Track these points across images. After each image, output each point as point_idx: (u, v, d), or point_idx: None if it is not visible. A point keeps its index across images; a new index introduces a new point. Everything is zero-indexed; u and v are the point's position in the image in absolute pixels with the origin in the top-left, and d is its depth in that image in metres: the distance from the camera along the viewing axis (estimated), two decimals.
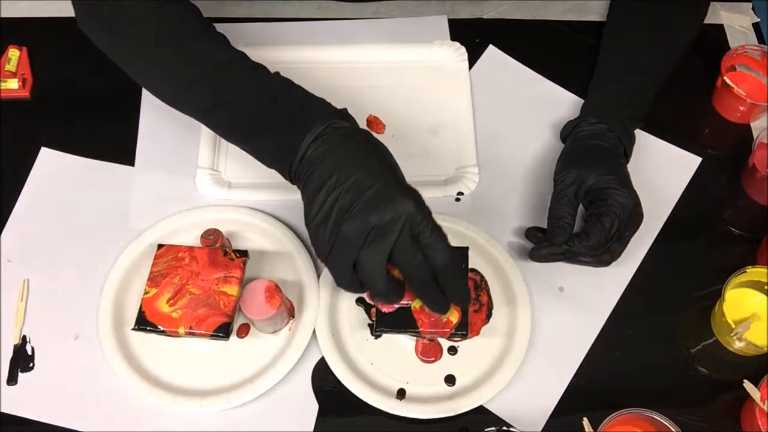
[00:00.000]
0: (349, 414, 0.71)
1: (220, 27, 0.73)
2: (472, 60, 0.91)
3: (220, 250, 0.74)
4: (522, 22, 0.95)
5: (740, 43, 0.93)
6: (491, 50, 0.92)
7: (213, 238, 0.75)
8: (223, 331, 0.70)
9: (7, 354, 0.73)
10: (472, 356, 0.74)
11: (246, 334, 0.74)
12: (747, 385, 0.69)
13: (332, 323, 0.75)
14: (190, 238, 0.78)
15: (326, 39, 0.91)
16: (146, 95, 0.86)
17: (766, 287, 0.75)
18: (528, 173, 0.84)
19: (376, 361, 0.73)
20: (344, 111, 0.68)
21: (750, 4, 0.97)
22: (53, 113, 0.86)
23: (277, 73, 0.70)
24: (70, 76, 0.89)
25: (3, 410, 0.71)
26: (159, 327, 0.71)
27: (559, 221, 0.75)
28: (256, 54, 0.72)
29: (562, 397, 0.72)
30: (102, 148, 0.84)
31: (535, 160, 0.85)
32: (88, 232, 0.79)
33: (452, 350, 0.74)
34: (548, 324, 0.76)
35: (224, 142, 0.84)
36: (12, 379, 0.72)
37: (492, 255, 0.78)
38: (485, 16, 0.95)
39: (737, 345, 0.74)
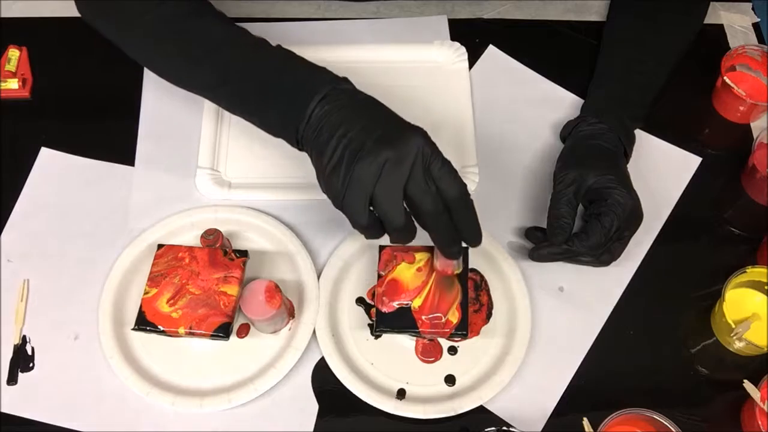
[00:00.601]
0: (349, 414, 0.71)
1: None
2: (472, 60, 0.91)
3: (220, 250, 0.74)
4: (522, 22, 0.95)
5: (740, 43, 0.93)
6: (491, 50, 0.92)
7: (213, 238, 0.75)
8: (223, 331, 0.70)
9: (7, 354, 0.73)
10: (472, 356, 0.74)
11: (246, 334, 0.74)
12: (747, 385, 0.69)
13: (332, 323, 0.74)
14: (190, 238, 0.78)
15: (326, 39, 0.91)
16: (146, 95, 0.86)
17: (766, 287, 0.75)
18: (528, 173, 0.84)
19: (376, 361, 0.73)
20: (345, 78, 0.68)
21: (750, 4, 0.97)
22: (53, 113, 0.86)
23: (278, 46, 0.71)
24: (70, 76, 0.89)
25: (3, 410, 0.71)
26: (159, 327, 0.71)
27: (558, 221, 0.75)
28: None
29: (562, 397, 0.72)
30: (102, 148, 0.84)
31: (535, 160, 0.85)
32: (88, 232, 0.79)
33: (452, 350, 0.74)
34: (548, 324, 0.76)
35: (224, 142, 0.84)
36: (12, 379, 0.72)
37: (492, 255, 0.78)
38: (485, 16, 0.95)
39: (737, 345, 0.74)
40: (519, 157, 0.85)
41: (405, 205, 0.63)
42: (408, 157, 0.61)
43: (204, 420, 0.71)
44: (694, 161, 0.86)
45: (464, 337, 0.72)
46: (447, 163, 0.63)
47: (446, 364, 0.73)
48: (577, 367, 0.74)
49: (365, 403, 0.70)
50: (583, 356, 0.74)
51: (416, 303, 0.71)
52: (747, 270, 0.74)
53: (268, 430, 0.70)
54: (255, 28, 0.72)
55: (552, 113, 0.87)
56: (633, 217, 0.74)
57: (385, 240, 0.75)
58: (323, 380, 0.72)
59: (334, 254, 0.77)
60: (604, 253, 0.75)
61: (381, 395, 0.71)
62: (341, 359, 0.72)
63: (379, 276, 0.73)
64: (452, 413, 0.70)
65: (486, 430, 0.67)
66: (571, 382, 0.73)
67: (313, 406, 0.71)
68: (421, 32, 0.92)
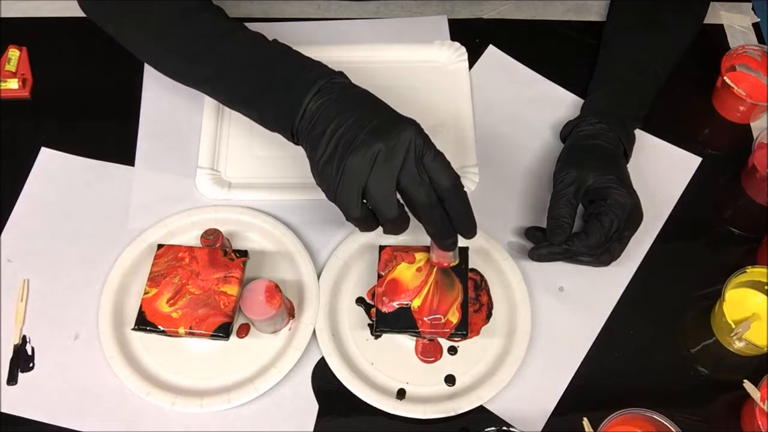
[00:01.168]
0: (349, 414, 0.71)
1: None
2: (472, 60, 0.91)
3: (220, 250, 0.74)
4: (522, 22, 0.95)
5: (740, 43, 0.93)
6: (491, 50, 0.92)
7: (213, 238, 0.75)
8: (223, 331, 0.70)
9: (7, 354, 0.73)
10: (472, 356, 0.74)
11: (246, 334, 0.74)
12: (747, 385, 0.69)
13: (332, 323, 0.74)
14: (190, 238, 0.78)
15: (326, 39, 0.91)
16: (146, 95, 0.86)
17: (766, 287, 0.75)
18: (528, 173, 0.84)
19: (376, 361, 0.73)
20: (341, 72, 0.69)
21: (750, 4, 0.97)
22: (53, 113, 0.86)
23: (275, 40, 0.71)
24: (70, 76, 0.88)
25: (3, 410, 0.71)
26: (159, 327, 0.71)
27: (558, 221, 0.75)
28: None
29: (562, 397, 0.72)
30: (102, 148, 0.84)
31: (535, 160, 0.85)
32: (88, 232, 0.79)
33: (452, 350, 0.74)
34: (548, 324, 0.76)
35: (224, 142, 0.84)
36: (12, 379, 0.72)
37: (492, 255, 0.78)
38: (485, 16, 0.95)
39: (737, 345, 0.74)
40: (519, 157, 0.85)
41: (399, 197, 0.63)
42: (400, 148, 0.61)
43: (204, 420, 0.71)
44: (694, 161, 0.86)
45: (464, 337, 0.72)
46: (440, 155, 0.63)
47: (446, 364, 0.73)
48: (577, 367, 0.74)
49: (365, 403, 0.70)
50: (583, 356, 0.74)
51: (416, 303, 0.71)
52: (747, 270, 0.74)
53: (268, 430, 0.70)
54: (254, 28, 0.72)
55: (552, 113, 0.87)
56: (633, 217, 0.74)
57: (385, 240, 0.76)
58: (323, 380, 0.72)
59: (334, 254, 0.77)
60: (603, 253, 0.75)
61: (381, 395, 0.71)
62: (341, 359, 0.72)
63: (379, 276, 0.73)
64: (452, 413, 0.70)
65: (486, 430, 0.67)
66: (571, 382, 0.73)
67: (313, 406, 0.71)
68: (421, 32, 0.92)
